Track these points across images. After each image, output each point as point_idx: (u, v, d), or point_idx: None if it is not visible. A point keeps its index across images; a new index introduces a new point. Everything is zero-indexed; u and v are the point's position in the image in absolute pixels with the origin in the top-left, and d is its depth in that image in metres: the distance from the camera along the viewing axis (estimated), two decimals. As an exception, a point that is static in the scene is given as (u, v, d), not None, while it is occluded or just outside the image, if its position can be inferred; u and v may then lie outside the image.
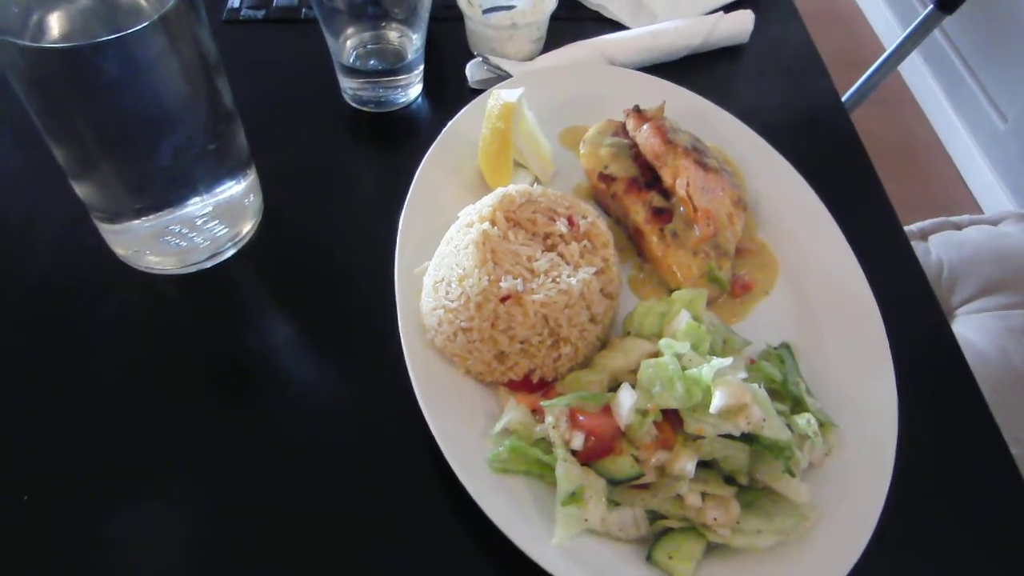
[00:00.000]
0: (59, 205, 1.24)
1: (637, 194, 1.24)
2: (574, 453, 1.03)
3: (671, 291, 1.21)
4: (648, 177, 1.25)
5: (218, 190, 1.23)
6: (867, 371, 1.15)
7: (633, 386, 1.04)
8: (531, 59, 1.46)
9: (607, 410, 1.04)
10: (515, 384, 1.11)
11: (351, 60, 1.40)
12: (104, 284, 1.24)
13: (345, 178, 1.39)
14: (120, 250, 1.26)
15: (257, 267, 1.28)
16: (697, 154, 1.23)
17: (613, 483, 1.02)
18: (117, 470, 1.05)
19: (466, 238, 1.13)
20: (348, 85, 1.42)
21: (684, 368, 1.04)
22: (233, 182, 1.25)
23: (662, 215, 1.22)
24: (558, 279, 1.10)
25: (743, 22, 1.51)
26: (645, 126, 1.24)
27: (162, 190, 1.18)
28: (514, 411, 1.08)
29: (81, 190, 1.16)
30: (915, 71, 3.81)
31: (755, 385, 1.02)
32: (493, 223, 1.14)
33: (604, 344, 1.15)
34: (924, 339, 1.24)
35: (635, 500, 1.03)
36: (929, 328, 1.26)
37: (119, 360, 1.16)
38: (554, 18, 1.50)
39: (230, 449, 1.09)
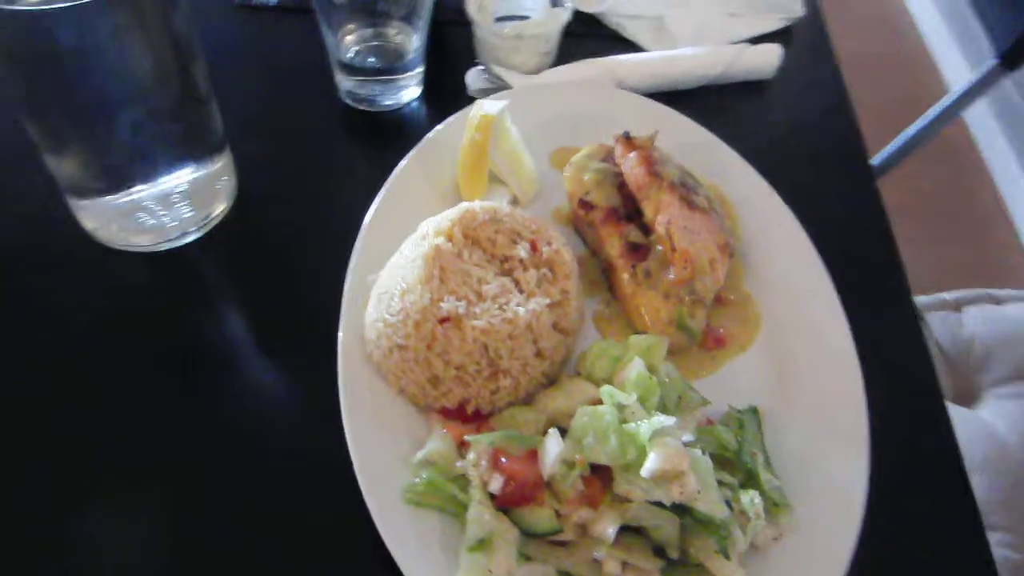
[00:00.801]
0: (33, 178, 1.20)
1: (615, 225, 1.15)
2: (492, 496, 0.94)
3: (635, 333, 1.11)
4: (630, 209, 1.16)
5: (185, 171, 1.19)
6: (840, 452, 1.04)
7: (565, 433, 0.95)
8: (537, 72, 1.37)
9: (533, 455, 0.95)
10: (448, 412, 1.03)
11: (349, 56, 1.34)
12: (66, 256, 1.21)
13: (326, 173, 1.33)
14: (88, 224, 1.22)
15: (221, 252, 1.24)
16: (684, 190, 1.14)
17: (527, 535, 0.94)
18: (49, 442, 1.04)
19: (417, 251, 1.06)
20: (343, 81, 1.36)
21: (623, 422, 0.95)
22: (201, 165, 1.21)
23: (637, 251, 1.13)
24: (505, 306, 1.02)
25: (768, 56, 1.40)
26: (632, 154, 1.15)
27: (125, 166, 1.15)
28: (438, 441, 1.00)
29: (50, 162, 1.14)
30: (983, 126, 3.59)
31: (698, 451, 0.93)
32: (449, 238, 1.06)
33: (552, 382, 1.07)
34: (914, 424, 1.12)
35: (549, 557, 0.94)
36: (922, 413, 1.14)
37: (71, 331, 1.14)
38: (568, 33, 1.42)
39: (160, 432, 1.06)
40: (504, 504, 0.94)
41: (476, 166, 1.17)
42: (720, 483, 0.94)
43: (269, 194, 1.30)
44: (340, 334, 1.06)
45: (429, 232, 1.08)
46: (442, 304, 1.01)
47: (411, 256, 1.06)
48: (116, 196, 1.16)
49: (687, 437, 0.95)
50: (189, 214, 1.23)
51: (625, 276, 1.13)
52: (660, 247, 1.13)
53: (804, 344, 1.13)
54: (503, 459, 0.95)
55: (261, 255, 1.24)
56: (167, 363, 1.12)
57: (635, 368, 1.00)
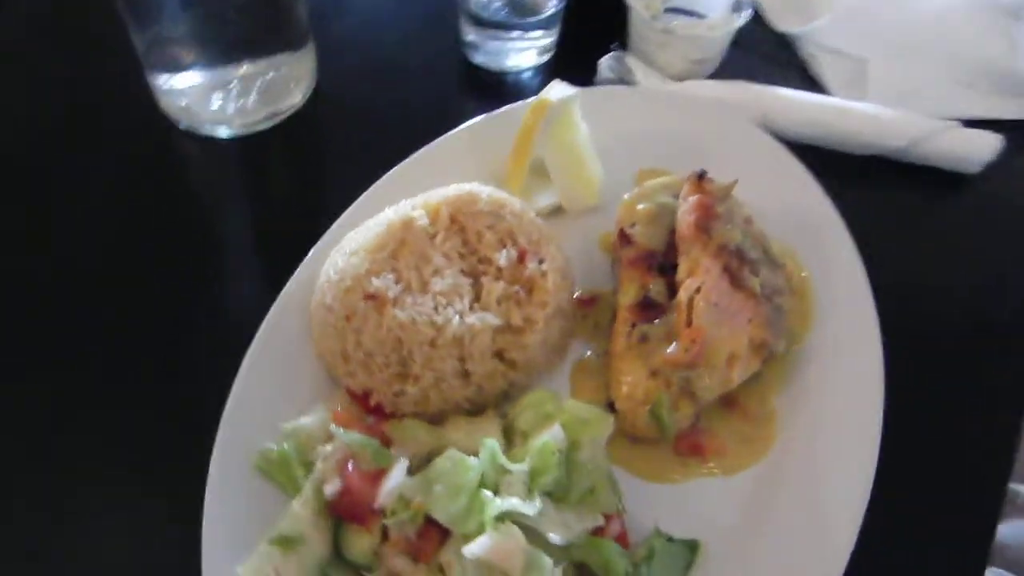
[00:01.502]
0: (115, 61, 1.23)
1: (640, 271, 0.96)
2: (328, 501, 0.82)
3: (609, 402, 0.92)
4: (671, 260, 0.95)
5: (266, 59, 1.17)
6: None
7: (416, 471, 0.80)
8: (679, 79, 1.18)
9: (382, 476, 0.81)
10: (353, 394, 0.93)
11: (479, 4, 1.22)
12: (142, 134, 1.24)
13: (413, 118, 1.24)
14: (166, 103, 1.23)
15: (292, 144, 1.22)
16: (736, 262, 0.91)
17: (338, 556, 0.81)
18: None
19: (389, 215, 0.94)
20: (468, 32, 1.25)
21: (489, 487, 0.78)
22: (283, 54, 1.19)
23: (648, 309, 0.93)
24: (443, 309, 0.88)
25: (979, 144, 1.11)
26: (693, 198, 0.94)
27: (212, 45, 1.15)
28: (313, 418, 0.89)
29: (137, 39, 1.15)
30: None
31: (545, 559, 0.74)
32: (433, 216, 0.94)
33: (478, 411, 0.91)
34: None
35: (348, 591, 0.81)
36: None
37: (141, 204, 1.17)
38: (741, 45, 1.19)
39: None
40: (334, 513, 0.82)
41: (518, 151, 1.02)
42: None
43: (345, 111, 1.26)
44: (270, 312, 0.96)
45: (418, 203, 0.96)
46: (374, 279, 0.89)
47: (384, 218, 0.95)
48: (204, 72, 1.17)
49: (554, 537, 0.77)
50: (263, 104, 1.21)
51: (621, 332, 0.93)
52: (675, 315, 0.92)
53: (807, 506, 0.87)
54: (350, 466, 0.82)
55: (307, 168, 1.22)
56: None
57: (547, 436, 0.82)
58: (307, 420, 0.89)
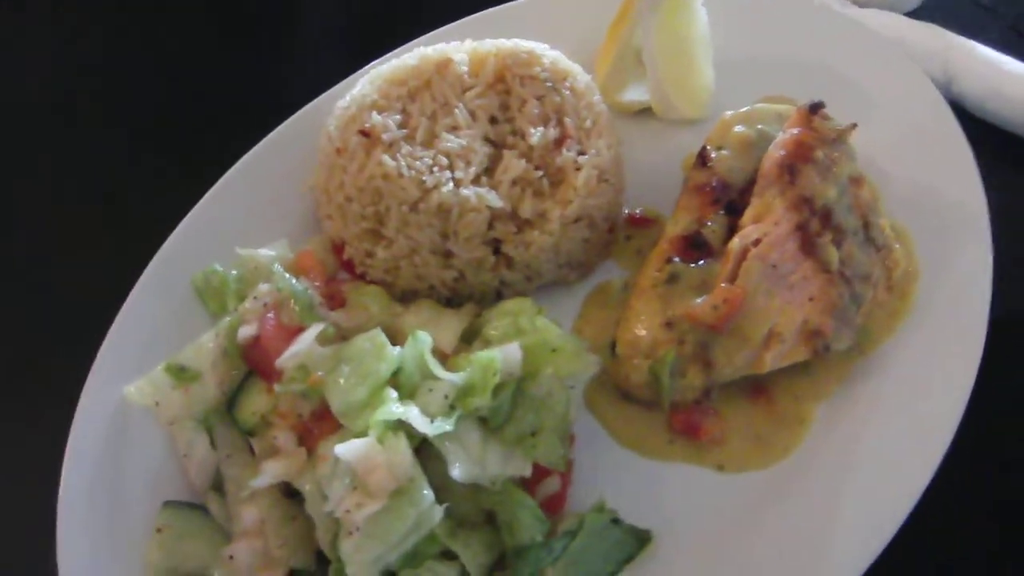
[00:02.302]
0: None
1: (703, 201, 0.77)
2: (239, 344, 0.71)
3: (612, 342, 0.75)
4: (744, 202, 0.75)
5: None
6: None
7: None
8: (863, 4, 0.94)
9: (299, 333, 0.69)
10: (334, 243, 0.80)
11: None
12: None
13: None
14: None
15: None
16: (817, 224, 0.71)
17: (227, 409, 0.70)
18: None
19: (426, 50, 0.79)
20: None
21: (403, 388, 0.64)
22: None
23: (694, 247, 0.74)
24: (440, 170, 0.72)
25: None
26: (795, 131, 0.73)
27: None
28: (278, 250, 0.78)
29: None
30: None
31: (423, 486, 0.61)
32: (476, 66, 0.78)
33: (457, 303, 0.76)
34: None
35: (227, 444, 0.70)
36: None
37: None
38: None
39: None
40: (243, 359, 0.71)
41: (613, 29, 0.83)
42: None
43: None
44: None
45: (466, 46, 0.79)
46: (375, 115, 0.74)
47: (419, 52, 0.79)
48: None
49: (455, 471, 0.62)
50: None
51: (652, 263, 0.75)
52: (722, 264, 0.72)
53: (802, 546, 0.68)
54: (271, 315, 0.70)
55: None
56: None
57: (496, 352, 0.66)
58: (264, 252, 0.77)
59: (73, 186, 1.00)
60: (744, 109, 0.83)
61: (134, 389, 0.71)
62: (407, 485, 0.60)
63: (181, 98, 1.04)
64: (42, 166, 1.02)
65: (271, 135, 0.83)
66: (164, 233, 0.79)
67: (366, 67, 0.85)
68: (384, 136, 0.73)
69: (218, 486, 0.70)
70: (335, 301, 0.75)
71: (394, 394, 0.63)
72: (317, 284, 0.75)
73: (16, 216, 0.99)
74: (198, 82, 1.04)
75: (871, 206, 0.76)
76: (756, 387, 0.75)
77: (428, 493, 0.60)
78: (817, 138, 0.74)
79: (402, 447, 0.60)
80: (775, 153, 0.74)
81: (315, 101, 0.85)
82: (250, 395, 0.70)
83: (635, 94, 0.88)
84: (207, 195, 0.80)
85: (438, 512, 0.60)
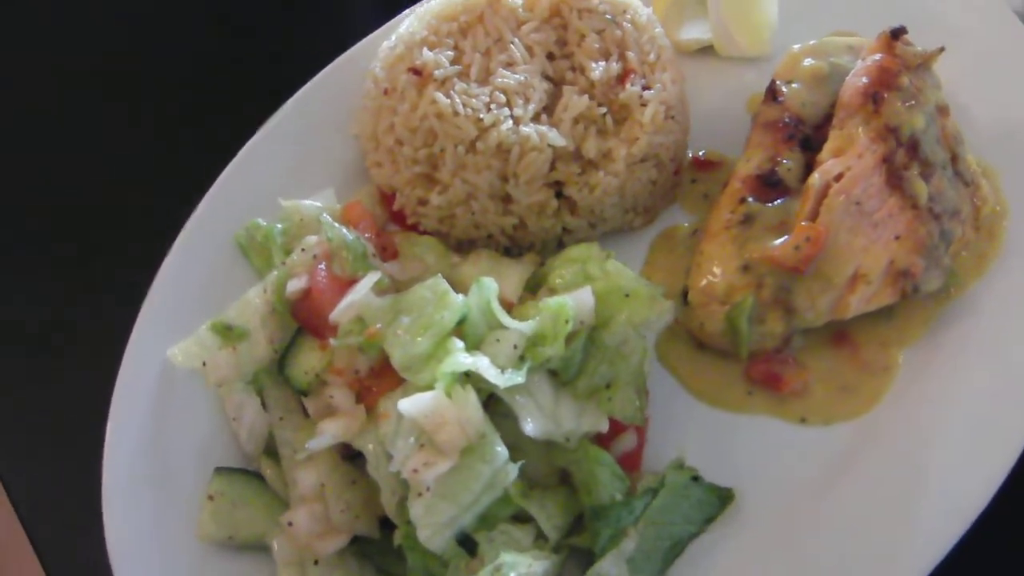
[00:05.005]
0: None
1: (776, 138, 0.70)
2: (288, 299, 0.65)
3: (684, 289, 0.68)
4: (820, 137, 0.68)
5: None
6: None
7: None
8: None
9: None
10: (383, 192, 0.73)
11: None
12: None
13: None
14: None
15: None
16: (904, 156, 0.65)
17: (279, 370, 0.64)
18: None
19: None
20: None
21: (469, 339, 0.57)
22: None
23: (769, 186, 0.67)
24: (497, 108, 0.65)
25: None
26: (876, 57, 0.65)
27: None
28: (325, 199, 0.72)
29: None
30: None
31: (495, 442, 0.55)
32: (530, 2, 0.70)
33: (518, 251, 0.70)
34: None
35: (278, 405, 0.63)
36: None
37: None
38: None
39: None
40: (293, 315, 0.65)
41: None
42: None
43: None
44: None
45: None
46: (427, 51, 0.67)
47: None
48: None
49: (529, 427, 0.56)
50: None
51: (724, 204, 0.68)
52: (799, 202, 0.65)
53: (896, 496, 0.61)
54: (322, 267, 0.63)
55: None
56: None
57: (568, 298, 0.59)
58: (310, 203, 0.71)
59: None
60: (811, 43, 0.76)
61: (178, 351, 0.65)
62: (479, 441, 0.53)
63: (217, 50, 0.97)
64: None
65: (312, 81, 0.77)
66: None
67: (408, 9, 0.78)
68: (436, 73, 0.66)
69: (271, 451, 0.63)
70: (387, 253, 0.68)
71: (460, 344, 0.56)
72: (368, 235, 0.68)
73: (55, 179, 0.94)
74: (235, 37, 0.98)
75: (958, 138, 0.69)
76: (839, 334, 0.68)
77: (502, 449, 0.54)
78: (901, 63, 0.67)
79: (472, 400, 0.54)
80: (856, 81, 0.67)
81: (358, 45, 0.78)
82: (302, 352, 0.63)
83: (695, 32, 0.81)
84: (246, 146, 0.75)
85: (513, 470, 0.54)
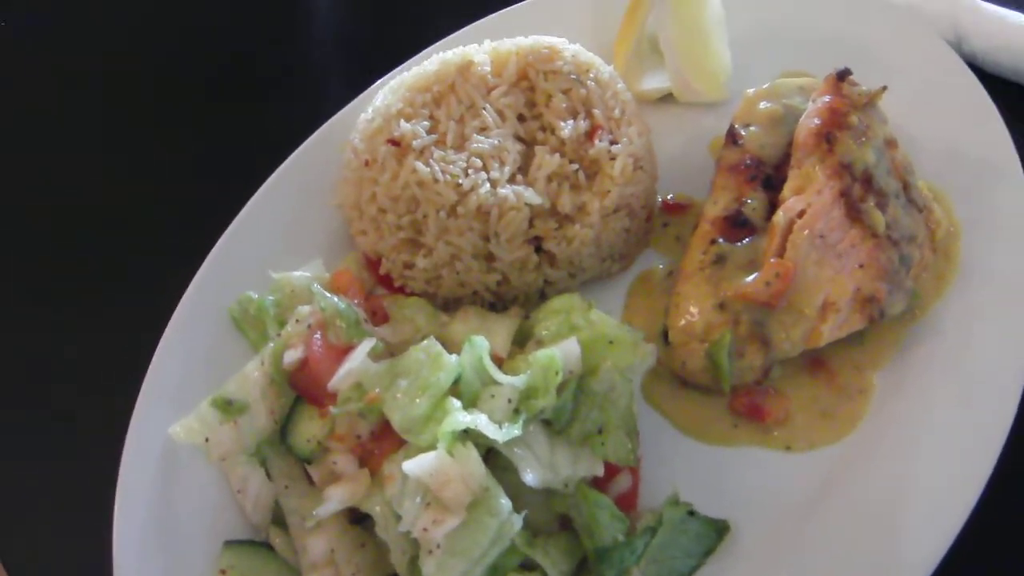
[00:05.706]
0: None
1: (740, 179, 0.73)
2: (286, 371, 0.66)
3: (664, 329, 0.70)
4: (780, 176, 0.72)
5: None
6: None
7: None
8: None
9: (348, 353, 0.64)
10: (367, 257, 0.75)
11: None
12: None
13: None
14: None
15: None
16: (860, 189, 0.68)
17: (281, 439, 0.65)
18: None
19: (446, 54, 0.75)
20: None
21: (465, 397, 0.59)
22: None
23: (736, 226, 0.70)
24: (474, 172, 0.68)
25: None
26: (825, 99, 0.69)
27: None
28: (313, 270, 0.74)
29: None
30: None
31: (499, 495, 0.56)
32: (498, 66, 0.74)
33: (501, 306, 0.72)
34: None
35: (281, 473, 0.65)
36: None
37: None
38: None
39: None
40: (291, 385, 0.66)
41: (629, 18, 0.80)
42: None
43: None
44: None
45: (486, 47, 0.75)
46: (403, 123, 0.70)
47: (439, 57, 0.75)
48: None
49: (529, 477, 0.58)
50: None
51: (696, 247, 0.71)
52: (768, 240, 0.68)
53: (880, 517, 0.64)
54: (318, 336, 0.65)
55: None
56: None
57: (555, 350, 0.61)
58: (299, 274, 0.73)
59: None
60: (766, 86, 0.80)
61: (180, 428, 0.65)
62: (483, 495, 0.55)
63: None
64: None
65: (291, 157, 0.79)
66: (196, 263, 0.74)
67: (379, 80, 0.81)
68: (414, 143, 0.69)
69: (279, 520, 0.64)
70: (377, 317, 0.70)
71: (457, 403, 0.58)
72: (357, 301, 0.70)
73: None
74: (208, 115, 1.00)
75: (908, 168, 0.73)
76: (815, 362, 0.71)
77: (506, 501, 0.55)
78: (849, 104, 0.71)
79: (473, 456, 0.56)
80: (809, 123, 0.70)
81: (333, 118, 0.80)
82: (303, 421, 0.65)
83: (654, 82, 0.84)
84: (233, 223, 0.76)
85: (517, 520, 0.56)
